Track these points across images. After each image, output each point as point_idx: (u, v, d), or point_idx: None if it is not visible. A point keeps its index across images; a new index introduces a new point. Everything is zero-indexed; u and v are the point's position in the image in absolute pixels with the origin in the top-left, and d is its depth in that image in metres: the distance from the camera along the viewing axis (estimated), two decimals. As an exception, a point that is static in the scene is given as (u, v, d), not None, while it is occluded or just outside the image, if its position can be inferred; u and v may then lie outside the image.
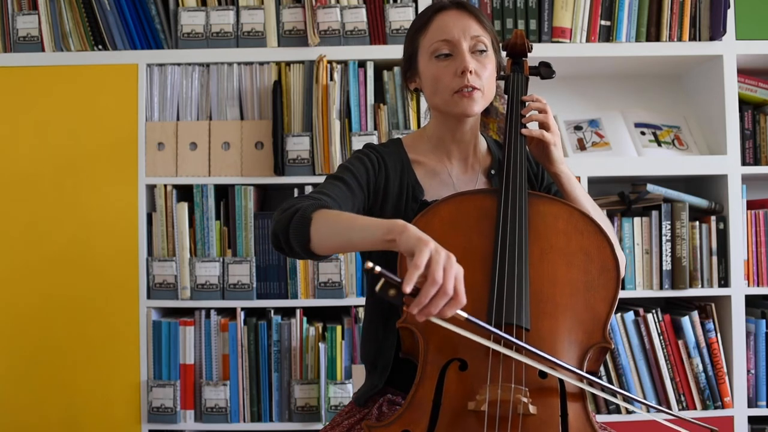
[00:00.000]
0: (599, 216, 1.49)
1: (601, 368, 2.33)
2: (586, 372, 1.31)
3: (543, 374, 1.27)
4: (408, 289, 1.07)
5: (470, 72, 1.44)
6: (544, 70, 1.63)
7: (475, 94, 1.45)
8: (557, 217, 1.40)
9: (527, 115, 1.48)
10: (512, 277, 1.30)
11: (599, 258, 1.36)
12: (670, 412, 1.31)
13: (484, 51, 1.47)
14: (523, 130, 1.47)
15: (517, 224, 1.36)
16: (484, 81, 1.47)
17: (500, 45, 1.57)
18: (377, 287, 1.10)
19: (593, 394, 2.35)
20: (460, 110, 1.47)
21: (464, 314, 1.14)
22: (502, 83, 1.60)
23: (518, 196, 1.39)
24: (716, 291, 2.40)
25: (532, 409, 1.22)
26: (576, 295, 1.34)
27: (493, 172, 1.55)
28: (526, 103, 1.51)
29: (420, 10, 2.35)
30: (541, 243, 1.37)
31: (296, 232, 1.28)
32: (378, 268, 1.09)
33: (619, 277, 1.36)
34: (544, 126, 1.48)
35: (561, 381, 1.27)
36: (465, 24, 1.46)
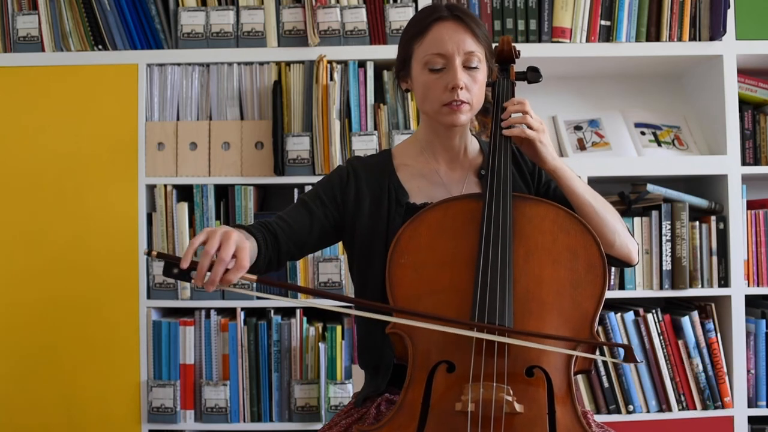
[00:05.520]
0: (603, 206, 1.50)
1: (601, 367, 2.33)
2: (576, 371, 1.33)
3: (529, 372, 1.29)
4: (184, 264, 1.21)
5: (461, 88, 1.47)
6: (531, 75, 1.65)
7: (463, 107, 1.49)
8: (543, 218, 1.43)
9: (507, 120, 1.50)
10: (495, 278, 1.33)
11: (585, 256, 1.39)
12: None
13: (477, 64, 1.50)
14: (505, 131, 1.50)
15: (500, 226, 1.39)
16: (473, 94, 1.50)
17: (493, 51, 1.58)
18: (162, 270, 1.23)
19: (592, 393, 2.35)
20: (448, 121, 1.51)
21: (254, 276, 1.27)
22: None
23: (502, 199, 1.42)
24: (716, 291, 2.39)
25: (518, 407, 1.24)
26: (562, 294, 1.36)
27: (483, 172, 1.57)
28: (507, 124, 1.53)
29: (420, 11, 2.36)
30: (527, 243, 1.40)
31: None
32: (155, 252, 1.23)
33: (606, 274, 1.38)
34: (527, 126, 1.50)
35: (548, 379, 1.29)
36: (460, 38, 1.48)
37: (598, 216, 1.47)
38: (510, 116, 1.50)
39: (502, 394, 1.24)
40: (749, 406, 2.38)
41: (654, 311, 2.36)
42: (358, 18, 2.37)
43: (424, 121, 1.60)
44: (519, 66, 1.67)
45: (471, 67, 1.49)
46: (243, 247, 1.24)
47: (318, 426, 2.28)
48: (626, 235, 1.51)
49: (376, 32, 2.39)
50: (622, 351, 1.31)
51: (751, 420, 2.39)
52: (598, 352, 1.38)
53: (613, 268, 2.34)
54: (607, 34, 2.43)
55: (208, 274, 1.22)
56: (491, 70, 1.56)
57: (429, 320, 1.29)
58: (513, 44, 1.63)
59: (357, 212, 1.56)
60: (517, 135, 1.48)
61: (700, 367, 2.36)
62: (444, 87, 1.48)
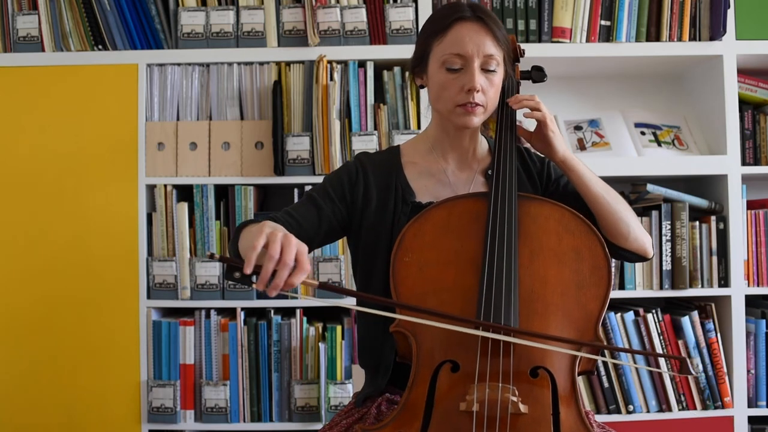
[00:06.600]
0: (615, 198, 1.50)
1: (601, 367, 2.33)
2: (579, 371, 1.33)
3: (534, 373, 1.29)
4: (248, 270, 1.19)
5: (477, 90, 1.46)
6: (536, 74, 1.65)
7: (477, 110, 1.48)
8: (548, 218, 1.43)
9: (520, 103, 1.51)
10: (500, 278, 1.33)
11: (590, 256, 1.39)
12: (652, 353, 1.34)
13: (495, 67, 1.49)
14: (515, 106, 1.52)
15: (506, 226, 1.39)
16: (489, 97, 1.49)
17: (511, 55, 1.57)
18: (224, 273, 1.18)
19: (592, 394, 2.35)
20: (460, 123, 1.50)
21: (316, 281, 1.24)
22: None
23: (507, 198, 1.42)
24: (716, 291, 2.40)
25: (522, 408, 1.24)
26: (567, 294, 1.36)
27: (490, 172, 1.57)
28: (518, 101, 1.53)
29: (420, 11, 2.36)
30: (532, 244, 1.40)
31: (232, 247, 1.43)
32: (217, 255, 1.20)
33: (610, 275, 1.38)
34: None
35: (553, 379, 1.29)
36: (481, 40, 1.47)
37: (611, 207, 1.48)
38: (520, 102, 1.51)
39: (507, 395, 1.24)
40: (749, 406, 2.38)
41: (654, 311, 2.36)
42: (358, 18, 2.37)
43: (435, 120, 1.59)
44: (522, 65, 1.67)
45: (489, 69, 1.48)
46: (303, 250, 1.22)
47: (318, 426, 2.28)
48: (639, 228, 1.51)
49: (376, 32, 2.39)
50: (626, 356, 1.30)
51: (751, 420, 2.39)
52: (608, 354, 1.37)
53: (612, 268, 2.35)
54: (607, 34, 2.43)
55: (271, 278, 1.20)
56: (507, 73, 1.55)
57: (434, 317, 1.29)
58: (517, 43, 1.63)
59: (364, 210, 1.55)
60: (538, 118, 1.48)
61: (700, 367, 2.36)
62: (460, 88, 1.47)
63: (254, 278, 1.21)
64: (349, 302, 2.32)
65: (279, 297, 1.93)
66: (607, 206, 1.48)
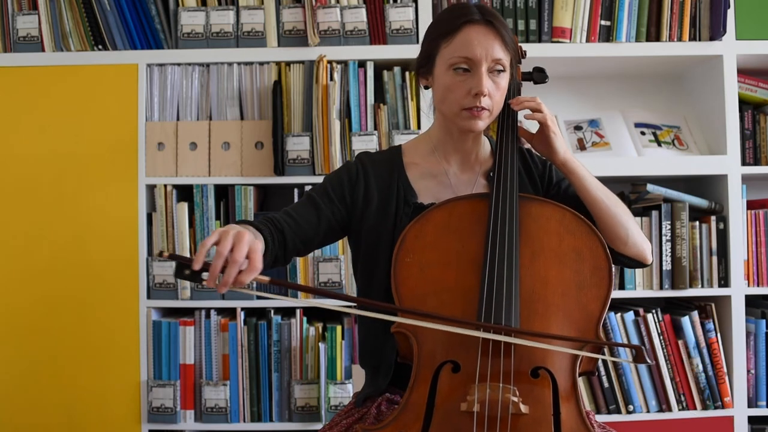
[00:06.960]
0: (615, 202, 1.50)
1: (600, 367, 2.33)
2: (580, 372, 1.33)
3: (535, 373, 1.29)
4: (197, 266, 1.19)
5: (484, 95, 1.45)
6: (537, 75, 1.65)
7: (483, 114, 1.47)
8: (549, 219, 1.43)
9: (522, 104, 1.51)
10: (501, 278, 1.34)
11: (591, 257, 1.39)
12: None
13: (502, 71, 1.48)
14: (515, 107, 1.52)
15: (507, 227, 1.39)
16: (495, 101, 1.49)
17: (517, 58, 1.57)
18: (174, 271, 1.21)
19: (592, 394, 2.35)
20: (465, 126, 1.50)
21: (266, 278, 1.23)
22: None
23: (509, 199, 1.42)
24: (716, 291, 2.40)
25: (523, 408, 1.24)
26: (568, 295, 1.37)
27: (492, 174, 1.57)
28: (519, 102, 1.53)
29: (420, 11, 2.36)
30: (533, 244, 1.40)
31: None
32: (166, 253, 1.20)
33: (611, 276, 1.39)
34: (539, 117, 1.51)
35: (554, 380, 1.29)
36: (489, 44, 1.46)
37: (610, 211, 1.48)
38: (521, 103, 1.51)
39: (508, 395, 1.24)
40: (749, 406, 2.38)
41: (654, 311, 2.36)
42: (358, 18, 2.37)
43: (439, 121, 1.59)
44: (523, 66, 1.67)
45: (496, 70, 1.47)
46: (256, 248, 1.21)
47: (318, 426, 2.28)
48: (639, 233, 1.52)
49: (376, 32, 2.39)
50: (624, 351, 1.31)
51: (751, 420, 2.40)
52: (607, 353, 1.38)
53: (613, 268, 2.35)
54: (607, 34, 2.43)
55: (221, 275, 1.19)
56: (512, 76, 1.54)
57: (435, 320, 1.29)
58: (519, 44, 1.63)
59: (365, 210, 1.55)
60: (538, 120, 1.49)
61: (700, 367, 2.36)
62: (467, 91, 1.46)
63: (204, 275, 1.20)
64: (349, 304, 2.33)
65: (277, 297, 1.94)
66: (607, 210, 1.48)
